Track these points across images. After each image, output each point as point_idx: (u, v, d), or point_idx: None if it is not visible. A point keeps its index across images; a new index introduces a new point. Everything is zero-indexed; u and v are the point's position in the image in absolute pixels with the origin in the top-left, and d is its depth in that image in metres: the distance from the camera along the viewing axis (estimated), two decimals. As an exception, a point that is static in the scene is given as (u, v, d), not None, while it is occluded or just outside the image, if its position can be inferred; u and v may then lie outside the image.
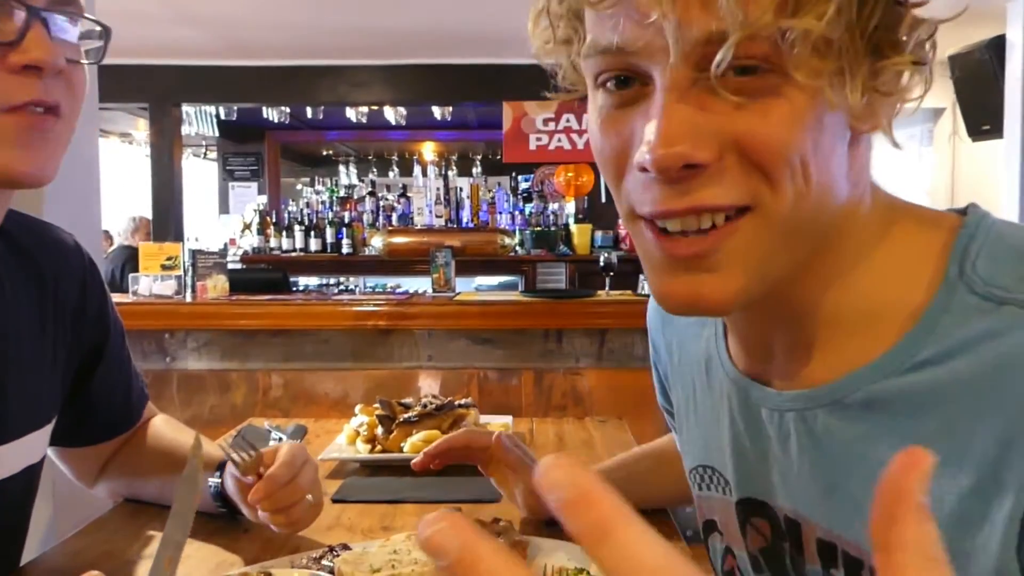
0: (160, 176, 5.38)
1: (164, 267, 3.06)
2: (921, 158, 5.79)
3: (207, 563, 0.97)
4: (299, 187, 7.96)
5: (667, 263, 0.60)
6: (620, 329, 2.99)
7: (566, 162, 5.51)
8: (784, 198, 0.55)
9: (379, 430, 1.47)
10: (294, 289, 4.93)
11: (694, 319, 0.77)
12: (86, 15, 0.84)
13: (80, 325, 1.05)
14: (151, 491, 1.17)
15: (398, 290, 5.71)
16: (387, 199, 6.40)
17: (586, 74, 0.60)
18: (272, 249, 6.02)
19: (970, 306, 0.55)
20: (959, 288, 0.56)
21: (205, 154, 8.21)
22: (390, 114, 6.32)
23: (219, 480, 1.07)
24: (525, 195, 6.33)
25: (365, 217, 6.20)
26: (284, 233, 6.05)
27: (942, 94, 5.19)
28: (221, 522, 1.09)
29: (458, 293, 3.29)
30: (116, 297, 3.24)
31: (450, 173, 6.59)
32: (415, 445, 1.42)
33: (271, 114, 6.56)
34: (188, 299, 3.05)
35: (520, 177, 6.50)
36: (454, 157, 7.52)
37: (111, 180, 6.18)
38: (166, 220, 5.33)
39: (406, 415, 1.48)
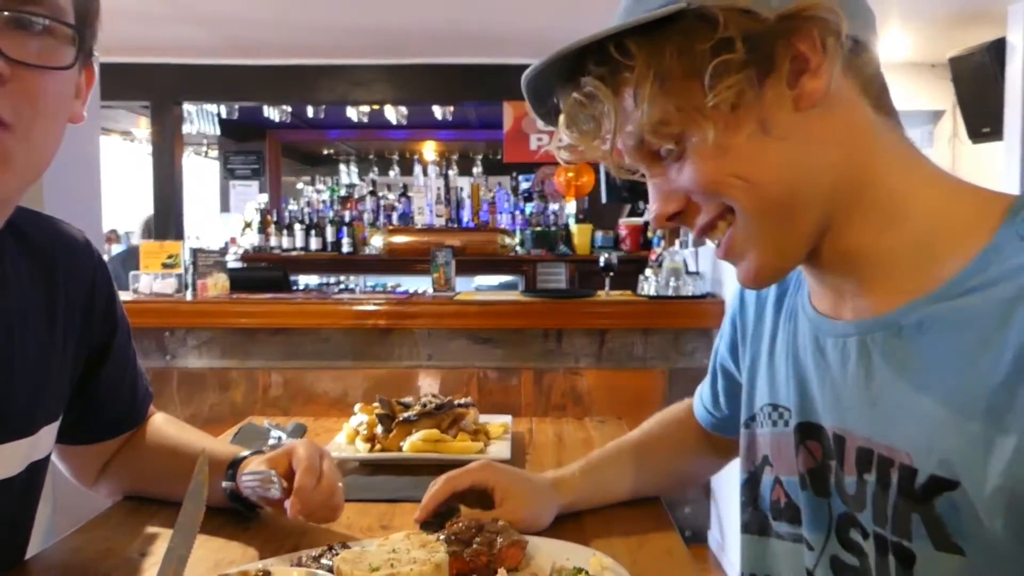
0: (161, 174, 5.38)
1: (165, 265, 3.06)
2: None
3: (206, 561, 0.97)
4: (300, 186, 7.95)
5: (726, 260, 0.79)
6: (620, 329, 2.99)
7: (566, 162, 5.50)
8: (741, 199, 0.72)
9: (378, 429, 1.47)
10: (294, 288, 4.93)
11: (772, 288, 0.93)
12: (47, 15, 0.75)
13: (89, 322, 1.05)
14: (156, 489, 1.17)
15: (398, 289, 5.72)
16: (388, 198, 6.40)
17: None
18: (273, 248, 6.02)
19: (1017, 248, 0.66)
20: (1011, 236, 0.67)
21: (206, 152, 8.21)
22: (391, 113, 6.32)
23: (232, 483, 1.08)
24: (526, 195, 6.33)
25: (366, 216, 6.20)
26: (285, 232, 6.05)
27: (942, 96, 5.20)
28: (220, 520, 1.09)
29: (458, 293, 3.29)
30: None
31: (451, 173, 6.58)
32: (414, 444, 1.42)
33: (272, 113, 6.56)
34: (188, 297, 3.06)
35: (521, 177, 6.50)
36: (455, 157, 7.52)
37: (112, 178, 6.19)
38: (167, 218, 5.33)
39: (405, 414, 1.48)
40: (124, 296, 2.99)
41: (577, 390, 3.01)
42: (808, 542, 0.83)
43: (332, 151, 9.05)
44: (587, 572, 0.84)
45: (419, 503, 1.06)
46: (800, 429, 0.84)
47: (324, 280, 6.36)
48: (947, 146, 5.47)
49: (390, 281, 6.37)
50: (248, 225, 6.12)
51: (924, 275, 0.70)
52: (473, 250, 5.45)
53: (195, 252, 3.16)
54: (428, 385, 2.99)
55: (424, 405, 1.51)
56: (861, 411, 0.75)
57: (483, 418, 1.59)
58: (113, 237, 6.67)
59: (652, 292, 3.10)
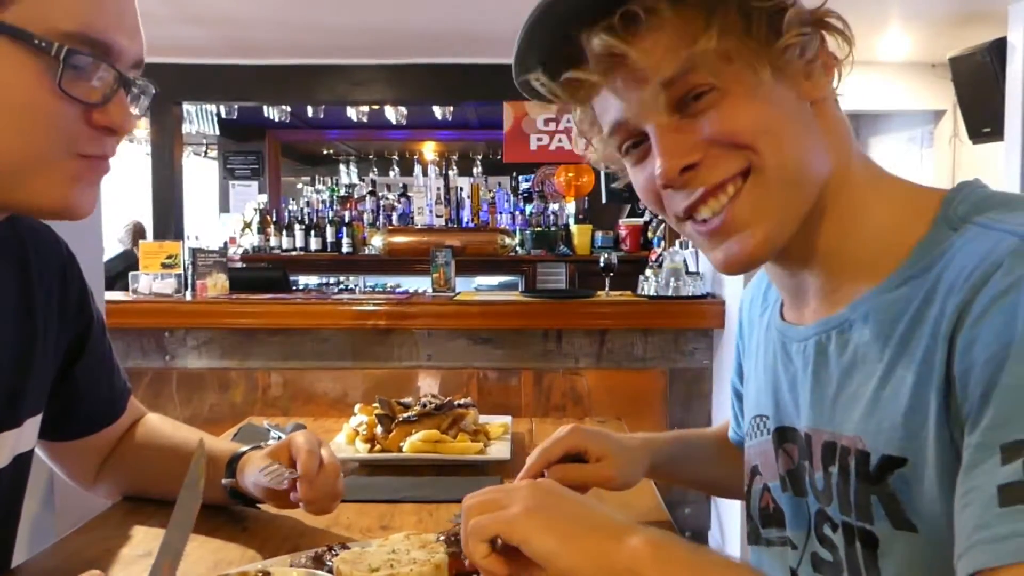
0: (160, 174, 5.37)
1: (164, 265, 3.06)
2: (922, 160, 5.79)
3: (205, 562, 0.97)
4: (299, 186, 7.95)
5: (708, 242, 0.78)
6: (620, 329, 2.99)
7: (567, 162, 5.50)
8: (767, 156, 0.73)
9: (378, 429, 1.47)
10: (294, 288, 4.93)
11: (760, 302, 0.97)
12: (147, 81, 0.86)
13: (64, 315, 1.06)
14: (155, 488, 1.18)
15: (398, 289, 5.71)
16: (387, 198, 6.40)
17: (614, 150, 0.82)
18: (272, 248, 6.02)
19: (946, 236, 0.71)
20: (943, 227, 0.72)
21: (206, 152, 8.20)
22: (391, 113, 6.32)
23: (232, 479, 1.10)
24: (525, 195, 6.33)
25: (365, 216, 6.20)
26: (284, 232, 6.04)
27: (943, 96, 5.19)
28: (219, 520, 1.09)
29: (458, 293, 3.29)
30: (116, 295, 3.24)
31: (451, 173, 6.58)
32: (414, 445, 1.42)
33: (272, 113, 6.56)
34: (188, 298, 3.05)
35: (520, 177, 6.50)
36: (455, 157, 7.52)
37: (112, 178, 6.17)
38: (166, 218, 5.32)
39: (405, 414, 1.48)
40: (124, 296, 3.00)
41: (577, 390, 3.01)
42: (792, 542, 0.86)
43: (332, 151, 9.05)
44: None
45: (419, 503, 1.06)
46: (777, 434, 0.88)
47: (324, 280, 6.36)
48: (947, 146, 5.47)
49: (390, 281, 6.36)
50: (248, 225, 6.12)
51: (873, 271, 0.75)
52: (473, 250, 5.45)
53: (194, 252, 3.16)
54: (428, 385, 2.99)
55: (424, 405, 1.51)
56: (823, 408, 0.79)
57: (483, 418, 1.59)
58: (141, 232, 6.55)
59: (652, 292, 3.10)
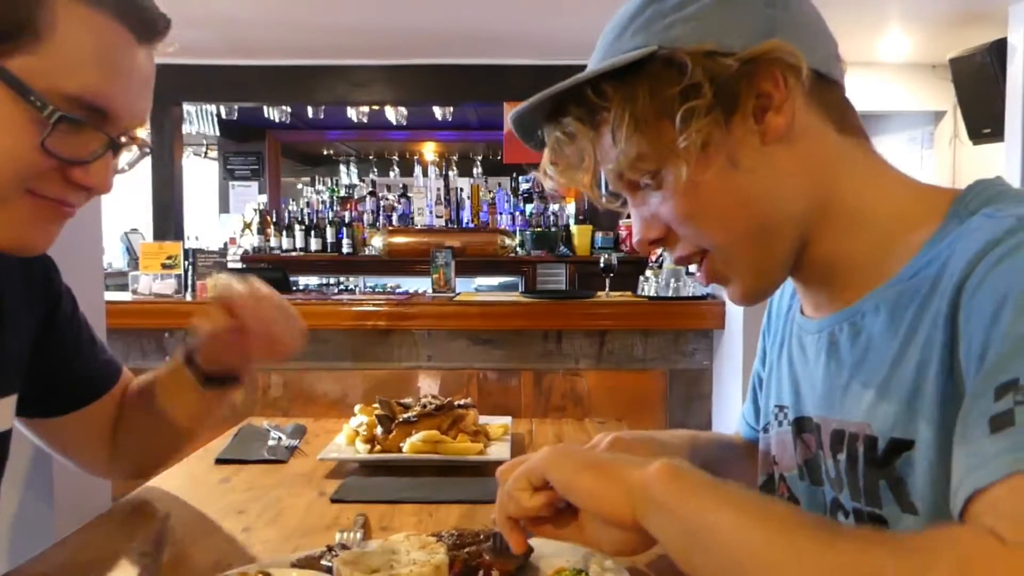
0: (160, 175, 5.37)
1: (164, 266, 3.06)
2: (922, 161, 5.79)
3: (206, 562, 0.97)
4: (299, 187, 7.94)
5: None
6: (620, 330, 2.99)
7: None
8: (715, 236, 0.78)
9: (378, 430, 1.47)
10: (294, 289, 4.93)
11: (789, 293, 0.98)
12: (142, 138, 0.85)
13: (29, 292, 1.05)
14: (169, 446, 1.19)
15: (398, 290, 5.71)
16: (387, 199, 6.40)
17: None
18: (272, 249, 6.01)
19: (955, 228, 0.72)
20: (953, 221, 0.73)
21: (206, 153, 8.20)
22: (391, 114, 6.32)
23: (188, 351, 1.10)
24: (526, 196, 6.33)
25: (365, 217, 6.19)
26: (284, 233, 6.04)
27: (943, 97, 5.20)
28: (220, 521, 1.09)
29: (458, 293, 3.29)
30: (116, 296, 3.23)
31: (451, 173, 6.58)
32: (414, 445, 1.42)
33: (272, 113, 6.55)
34: (188, 298, 3.05)
35: (521, 178, 6.50)
36: (455, 157, 7.52)
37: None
38: (166, 219, 5.33)
39: (405, 415, 1.48)
40: (124, 296, 3.00)
41: (577, 391, 3.01)
42: None
43: (332, 152, 9.04)
44: (587, 574, 0.84)
45: (419, 504, 1.06)
46: (796, 424, 0.90)
47: (324, 281, 6.35)
48: (948, 147, 5.47)
49: (390, 282, 6.36)
50: (248, 226, 6.12)
51: (885, 268, 0.77)
52: (473, 251, 5.44)
53: (194, 253, 3.16)
54: (428, 386, 2.99)
55: (424, 406, 1.51)
56: (833, 397, 0.82)
57: (483, 419, 1.59)
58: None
59: (652, 293, 3.10)
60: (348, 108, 6.20)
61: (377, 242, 5.65)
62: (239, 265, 5.47)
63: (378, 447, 1.45)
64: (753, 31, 0.74)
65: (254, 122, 7.13)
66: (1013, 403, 0.55)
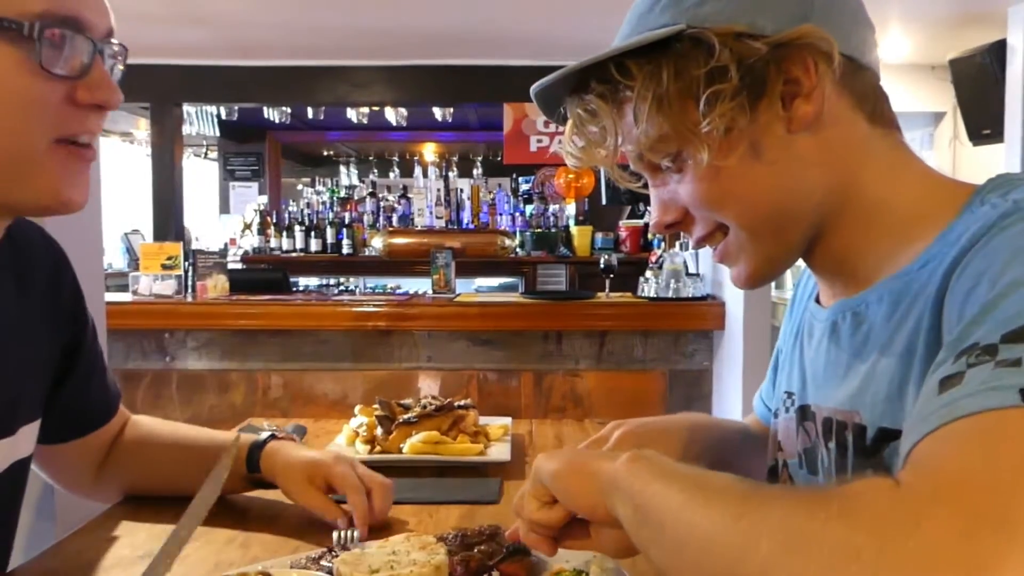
0: (161, 176, 5.37)
1: (164, 267, 3.06)
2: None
3: (206, 563, 0.97)
4: (300, 187, 7.94)
5: (721, 263, 0.84)
6: (620, 331, 2.99)
7: (574, 166, 5.50)
8: (736, 219, 0.77)
9: (378, 431, 1.47)
10: (294, 289, 4.93)
11: (812, 282, 0.96)
12: (117, 41, 0.86)
13: (56, 320, 1.05)
14: (160, 483, 1.19)
15: (398, 291, 5.71)
16: (388, 200, 6.40)
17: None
18: (272, 249, 6.01)
19: (968, 221, 0.69)
20: (967, 213, 0.71)
21: (206, 154, 8.20)
22: (391, 115, 6.32)
23: (259, 473, 1.15)
24: (526, 196, 6.33)
25: (365, 218, 6.19)
26: (284, 233, 6.04)
27: (943, 98, 5.20)
28: (220, 521, 1.09)
29: (458, 294, 3.29)
30: (116, 296, 3.23)
31: (451, 174, 6.58)
32: (414, 446, 1.42)
33: (272, 114, 6.55)
34: (188, 299, 3.05)
35: (521, 179, 6.50)
36: (455, 158, 7.53)
37: (111, 180, 6.18)
38: (166, 220, 5.33)
39: (405, 416, 1.48)
40: (123, 297, 3.00)
41: (577, 392, 3.01)
42: None
43: (332, 152, 9.05)
44: (587, 575, 0.84)
45: (419, 504, 1.06)
46: (800, 411, 0.90)
47: (324, 282, 6.36)
48: (947, 148, 5.47)
49: (390, 283, 6.36)
50: (248, 226, 6.12)
51: (898, 260, 0.75)
52: (473, 252, 5.44)
53: (195, 254, 3.16)
54: (428, 387, 2.99)
55: (424, 407, 1.51)
56: (831, 385, 0.82)
57: (483, 420, 1.59)
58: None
59: (652, 294, 3.10)
60: (348, 109, 6.20)
61: (377, 243, 5.65)
62: (239, 266, 5.48)
63: (378, 448, 1.45)
64: (787, 14, 0.72)
65: (254, 123, 7.13)
66: (966, 365, 0.54)
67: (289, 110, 6.58)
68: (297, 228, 6.03)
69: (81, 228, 1.10)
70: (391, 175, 7.99)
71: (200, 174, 7.95)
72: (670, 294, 3.06)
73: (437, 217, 6.14)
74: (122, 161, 7.47)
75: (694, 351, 3.02)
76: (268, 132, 7.60)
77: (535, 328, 2.99)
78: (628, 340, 3.00)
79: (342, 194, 6.65)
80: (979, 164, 4.96)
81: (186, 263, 3.12)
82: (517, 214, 6.13)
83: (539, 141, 5.69)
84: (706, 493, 0.58)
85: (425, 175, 6.76)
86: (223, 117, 6.87)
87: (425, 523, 1.12)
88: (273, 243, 6.03)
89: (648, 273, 3.20)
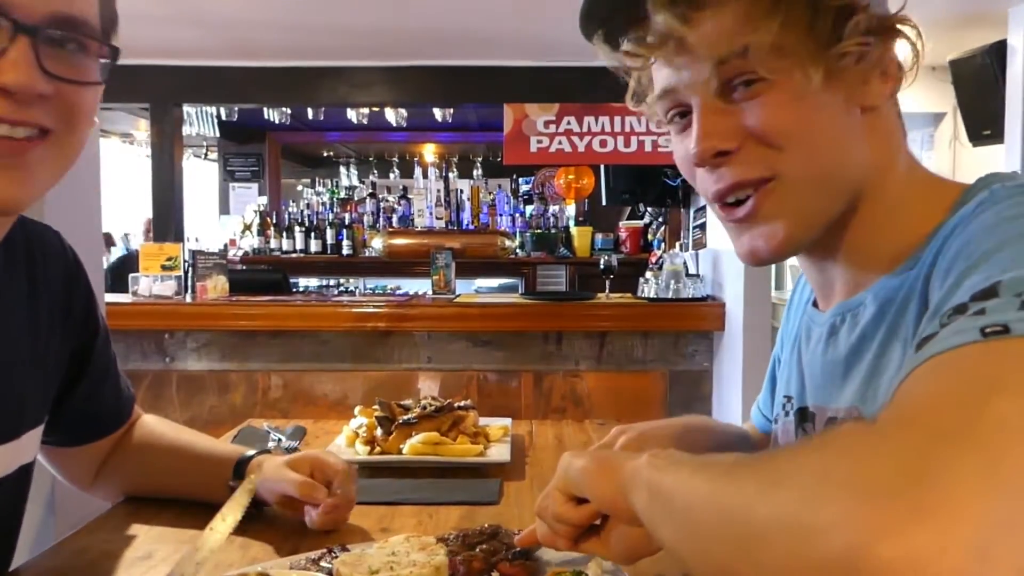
0: (160, 176, 5.36)
1: (164, 267, 3.06)
2: (922, 162, 5.78)
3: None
4: (300, 188, 7.94)
5: (734, 229, 0.80)
6: (620, 332, 2.99)
7: (567, 164, 5.50)
8: (795, 163, 0.74)
9: (378, 432, 1.47)
10: (294, 290, 4.93)
11: (809, 288, 0.95)
12: (90, 36, 0.79)
13: (67, 325, 1.04)
14: (157, 486, 1.19)
15: (398, 292, 5.71)
16: (387, 200, 6.40)
17: (660, 114, 0.83)
18: (272, 250, 6.01)
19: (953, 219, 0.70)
20: (952, 212, 0.72)
21: (206, 155, 8.20)
22: (391, 115, 6.32)
23: (239, 481, 1.10)
24: (526, 197, 6.33)
25: (365, 218, 6.19)
26: (284, 234, 6.04)
27: (943, 99, 5.19)
28: (220, 523, 1.09)
29: (458, 295, 3.29)
30: (116, 297, 3.23)
31: (451, 175, 6.58)
32: (414, 447, 1.42)
33: (272, 115, 6.55)
34: (188, 300, 3.05)
35: (521, 179, 6.50)
36: (455, 159, 7.52)
37: (111, 181, 6.18)
38: (166, 221, 5.32)
39: (405, 417, 1.48)
40: (123, 298, 3.00)
41: (577, 392, 3.01)
42: None
43: (332, 153, 9.04)
44: (586, 574, 0.84)
45: (419, 505, 1.06)
46: (799, 414, 0.92)
47: (324, 282, 6.36)
48: (948, 149, 5.47)
49: (390, 283, 6.36)
50: (248, 227, 6.12)
51: (895, 259, 0.77)
52: (473, 252, 5.45)
53: (194, 254, 3.16)
54: (428, 387, 2.99)
55: (424, 408, 1.51)
56: (830, 386, 0.84)
57: (483, 420, 1.59)
58: (109, 240, 6.63)
59: (652, 294, 3.10)
60: (348, 109, 6.20)
61: (377, 244, 5.65)
62: (239, 266, 5.47)
63: (378, 449, 1.45)
64: (894, 4, 0.76)
65: (254, 123, 7.12)
66: (939, 325, 0.55)
67: (289, 111, 6.58)
68: (297, 229, 6.03)
69: (81, 228, 1.10)
70: (391, 176, 7.98)
71: (200, 175, 7.95)
72: (670, 295, 3.06)
73: (437, 218, 6.14)
74: (122, 162, 7.48)
75: (694, 352, 3.02)
76: (268, 133, 7.59)
77: (535, 329, 2.99)
78: (628, 341, 3.00)
79: (342, 195, 6.66)
80: (979, 165, 4.95)
81: (185, 263, 3.12)
82: (517, 215, 6.13)
83: (539, 142, 5.67)
84: (731, 470, 0.58)
85: (425, 176, 6.76)
86: (223, 118, 6.86)
87: (425, 524, 1.12)
88: (273, 244, 6.03)
89: (648, 274, 3.20)
